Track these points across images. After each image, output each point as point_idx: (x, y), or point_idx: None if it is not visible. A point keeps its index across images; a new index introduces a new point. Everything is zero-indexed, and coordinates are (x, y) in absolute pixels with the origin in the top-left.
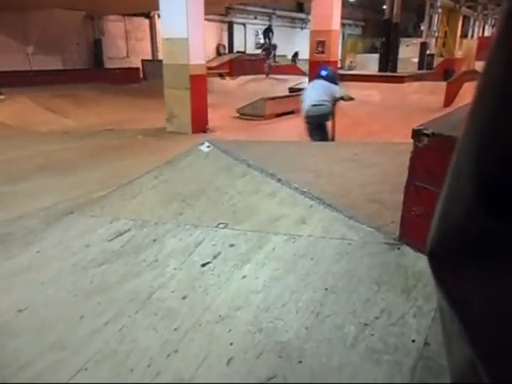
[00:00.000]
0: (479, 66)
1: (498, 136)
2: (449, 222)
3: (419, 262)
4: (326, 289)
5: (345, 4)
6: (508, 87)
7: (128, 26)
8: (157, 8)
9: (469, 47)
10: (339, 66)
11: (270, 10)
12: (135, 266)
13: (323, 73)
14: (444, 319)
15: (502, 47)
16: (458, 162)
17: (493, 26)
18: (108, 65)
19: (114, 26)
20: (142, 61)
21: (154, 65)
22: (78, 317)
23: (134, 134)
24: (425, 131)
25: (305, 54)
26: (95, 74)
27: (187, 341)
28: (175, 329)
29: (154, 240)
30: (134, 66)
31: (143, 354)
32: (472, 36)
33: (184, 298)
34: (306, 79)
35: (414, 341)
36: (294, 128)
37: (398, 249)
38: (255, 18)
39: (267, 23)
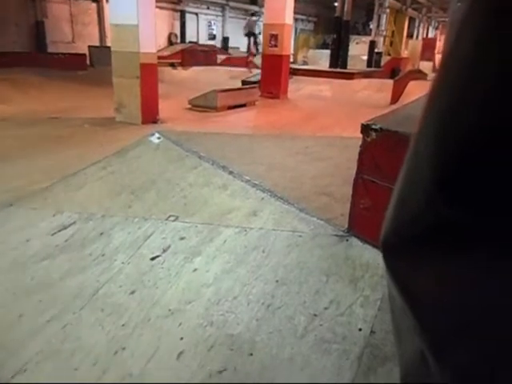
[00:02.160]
0: (424, 65)
1: (456, 123)
2: (405, 210)
3: (366, 254)
4: (277, 281)
5: None
6: (466, 82)
7: (74, 9)
8: None
9: (414, 47)
10: (292, 60)
11: (223, 1)
12: (80, 261)
13: None
14: (394, 309)
15: (463, 40)
16: (416, 149)
17: (436, 28)
18: (51, 49)
19: (58, 8)
20: (89, 47)
21: (101, 51)
22: (16, 316)
23: (80, 122)
24: (373, 126)
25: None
26: (38, 58)
27: (136, 336)
28: (123, 325)
29: (101, 233)
30: (81, 51)
31: (88, 351)
32: (417, 37)
33: (132, 292)
34: (259, 71)
35: (360, 329)
36: (246, 121)
37: (347, 240)
38: (208, 8)
39: (220, 14)
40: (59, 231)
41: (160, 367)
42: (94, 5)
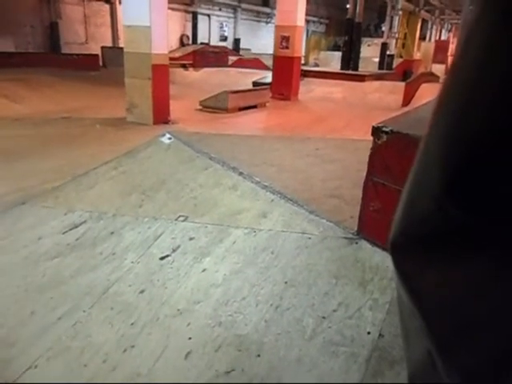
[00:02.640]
0: (436, 68)
1: (466, 125)
2: (414, 211)
3: (376, 256)
4: (286, 282)
5: (309, 1)
6: (475, 84)
7: (87, 11)
8: None
9: (426, 50)
10: (303, 62)
11: (236, 3)
12: (91, 260)
13: None
14: (402, 310)
15: (473, 42)
16: (425, 151)
17: (449, 31)
18: (65, 50)
19: (72, 9)
20: (102, 47)
21: (114, 52)
22: (28, 312)
23: (92, 122)
24: (384, 129)
25: (269, 49)
26: (51, 58)
27: (144, 335)
28: (132, 323)
29: (112, 232)
30: (94, 52)
31: (98, 349)
32: (430, 39)
33: (142, 291)
34: (270, 73)
35: (369, 333)
36: (257, 122)
37: (356, 243)
38: (220, 9)
39: (232, 15)
40: (70, 230)
41: (168, 366)
42: (107, 6)
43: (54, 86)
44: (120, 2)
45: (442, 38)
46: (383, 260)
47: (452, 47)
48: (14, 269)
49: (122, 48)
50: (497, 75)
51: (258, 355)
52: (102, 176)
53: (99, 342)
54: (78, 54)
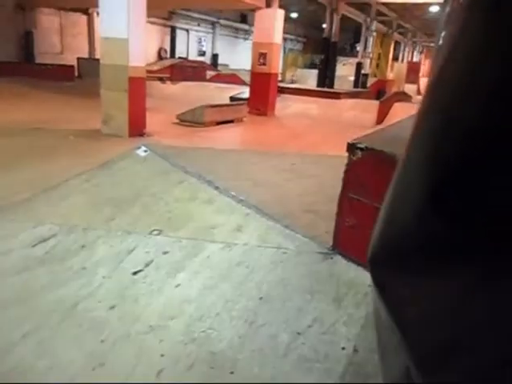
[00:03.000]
0: (408, 88)
1: (448, 139)
2: (394, 225)
3: (351, 271)
4: (261, 298)
5: (287, 19)
6: (457, 97)
7: (63, 21)
8: (95, 5)
9: (399, 70)
10: (280, 79)
11: (214, 19)
12: (60, 274)
13: None
14: (379, 325)
15: (451, 62)
16: (406, 165)
17: (421, 52)
18: (40, 60)
19: (48, 19)
20: (78, 58)
21: (90, 63)
22: None
23: (65, 134)
24: (359, 145)
25: (247, 65)
26: (25, 68)
27: (115, 352)
28: (102, 340)
29: (83, 246)
30: (69, 63)
31: (65, 368)
32: (402, 60)
33: (112, 307)
34: (247, 89)
35: (343, 348)
36: (233, 137)
37: (331, 258)
38: (198, 24)
39: (211, 31)
40: (39, 243)
41: None
42: (84, 17)
43: (27, 96)
44: (98, 14)
45: (414, 59)
46: (358, 275)
47: (423, 68)
48: None
49: (98, 59)
50: (477, 95)
51: (232, 372)
52: (74, 188)
53: (66, 361)
54: (52, 64)
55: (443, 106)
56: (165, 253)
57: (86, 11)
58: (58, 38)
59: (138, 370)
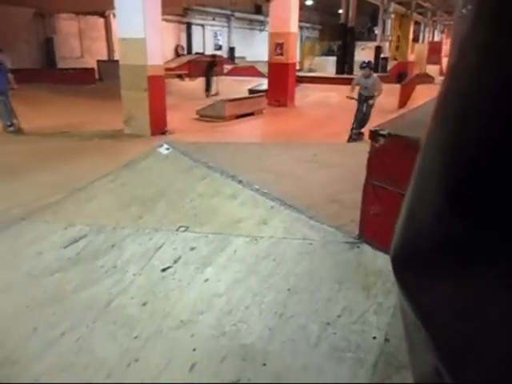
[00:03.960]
0: (430, 69)
1: (467, 138)
2: (415, 225)
3: (378, 260)
4: (289, 289)
5: (302, 7)
6: (475, 91)
7: (82, 25)
8: (111, 7)
9: (420, 51)
10: (298, 68)
11: (229, 12)
12: (92, 273)
13: None
14: (407, 325)
15: (469, 50)
16: (424, 164)
17: (442, 32)
18: (61, 65)
19: (67, 24)
20: (98, 61)
21: (109, 65)
22: (30, 329)
23: (90, 136)
24: (381, 132)
25: (264, 56)
26: (47, 74)
27: (148, 348)
28: (135, 337)
29: (113, 245)
30: (89, 66)
31: (102, 364)
32: (423, 41)
33: (144, 304)
34: (266, 80)
35: (374, 337)
36: (254, 129)
37: (358, 247)
38: (214, 19)
39: (226, 24)
40: (71, 244)
41: (173, 379)
42: (101, 20)
43: (50, 101)
44: (114, 16)
45: (435, 39)
46: (386, 263)
47: (445, 48)
48: (15, 285)
49: (117, 61)
50: (497, 80)
51: (264, 364)
52: (101, 189)
53: (103, 357)
54: (73, 69)
55: (461, 94)
56: (192, 249)
57: (102, 14)
58: (78, 42)
59: (172, 365)
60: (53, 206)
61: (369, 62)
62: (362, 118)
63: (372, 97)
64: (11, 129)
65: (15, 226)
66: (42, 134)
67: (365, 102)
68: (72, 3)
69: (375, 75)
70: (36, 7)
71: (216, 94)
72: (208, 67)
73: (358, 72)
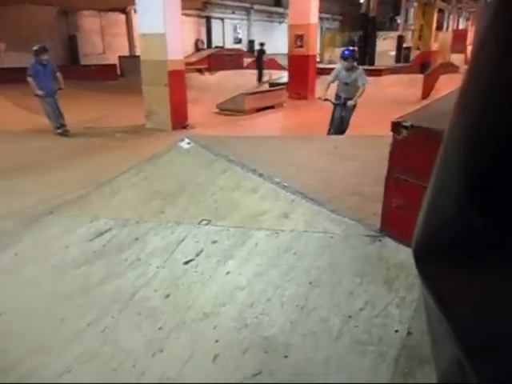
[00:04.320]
0: (454, 58)
1: (488, 131)
2: (436, 218)
3: (400, 253)
4: (310, 283)
5: None
6: (497, 82)
7: (103, 22)
8: (132, 2)
9: (444, 40)
10: (318, 59)
11: (248, 5)
12: (117, 266)
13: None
14: (429, 317)
15: (491, 40)
16: (446, 156)
17: (467, 19)
18: (84, 61)
19: (89, 21)
20: (119, 57)
21: (131, 61)
22: (59, 319)
23: (112, 131)
24: (404, 124)
25: (284, 48)
26: (71, 70)
27: (172, 339)
28: (159, 328)
29: (136, 239)
30: (111, 62)
31: (127, 354)
32: (447, 29)
33: (167, 296)
34: (286, 73)
35: (397, 331)
36: (274, 122)
37: (380, 240)
38: (233, 12)
39: (245, 17)
40: (96, 237)
41: (196, 370)
42: (122, 16)
43: (74, 97)
44: (135, 12)
45: (460, 27)
46: (408, 257)
47: (470, 36)
48: (43, 277)
49: (138, 56)
50: None
51: (286, 356)
52: (124, 183)
53: (128, 348)
54: (96, 65)
55: (484, 85)
56: (214, 242)
57: (123, 10)
58: (100, 39)
59: (195, 356)
60: (79, 201)
61: (353, 51)
62: (339, 125)
63: (352, 98)
64: (59, 131)
65: (43, 221)
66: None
67: (343, 106)
68: (94, 0)
69: (361, 68)
70: (60, 5)
71: (267, 82)
72: (258, 56)
73: (379, 62)
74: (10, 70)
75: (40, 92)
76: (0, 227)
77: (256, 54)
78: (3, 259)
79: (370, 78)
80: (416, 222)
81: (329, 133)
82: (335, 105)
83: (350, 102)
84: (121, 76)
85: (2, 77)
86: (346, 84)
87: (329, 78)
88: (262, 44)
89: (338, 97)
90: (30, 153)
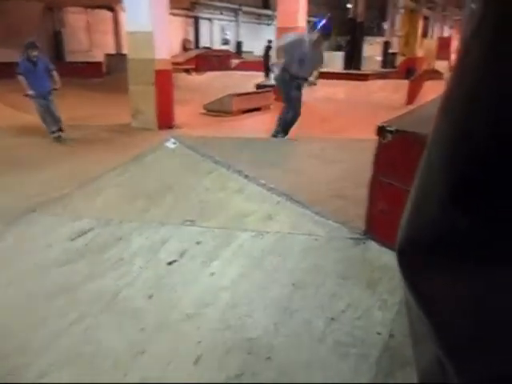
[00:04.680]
0: (439, 65)
1: (470, 134)
2: (419, 219)
3: (384, 256)
4: (294, 284)
5: (310, 1)
6: (479, 87)
7: (90, 19)
8: (120, 0)
9: (429, 47)
10: None
11: (236, 6)
12: (100, 266)
13: None
14: (411, 316)
15: (475, 46)
16: (429, 158)
17: (451, 27)
18: (69, 58)
19: (75, 18)
20: (106, 55)
21: (117, 59)
22: (40, 319)
23: (98, 130)
24: (388, 128)
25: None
26: (56, 67)
27: (154, 340)
28: (142, 328)
29: (120, 238)
30: (97, 59)
31: (109, 355)
32: (432, 36)
33: (150, 296)
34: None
35: (379, 333)
36: (261, 124)
37: (364, 243)
38: (221, 13)
39: (233, 19)
40: (79, 236)
41: (178, 371)
42: (109, 14)
43: (59, 94)
44: (123, 10)
45: (445, 34)
46: (391, 260)
47: (455, 44)
48: (25, 276)
49: (125, 55)
50: (502, 76)
51: (269, 358)
52: (109, 182)
53: (110, 348)
54: (82, 62)
55: (467, 89)
56: (198, 243)
57: (111, 8)
58: (86, 36)
59: (177, 357)
60: (62, 199)
61: (327, 21)
62: (291, 110)
63: (307, 79)
64: (55, 135)
65: (25, 219)
66: None
67: (296, 85)
68: None
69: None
70: (45, 1)
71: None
72: (265, 53)
73: (365, 67)
74: None
75: (31, 92)
76: None
77: (264, 50)
78: None
79: (356, 83)
80: (400, 223)
81: (279, 123)
82: (286, 85)
83: (304, 83)
84: (107, 74)
85: None
86: (302, 61)
87: (277, 44)
88: (269, 41)
89: (291, 76)
90: (15, 150)
